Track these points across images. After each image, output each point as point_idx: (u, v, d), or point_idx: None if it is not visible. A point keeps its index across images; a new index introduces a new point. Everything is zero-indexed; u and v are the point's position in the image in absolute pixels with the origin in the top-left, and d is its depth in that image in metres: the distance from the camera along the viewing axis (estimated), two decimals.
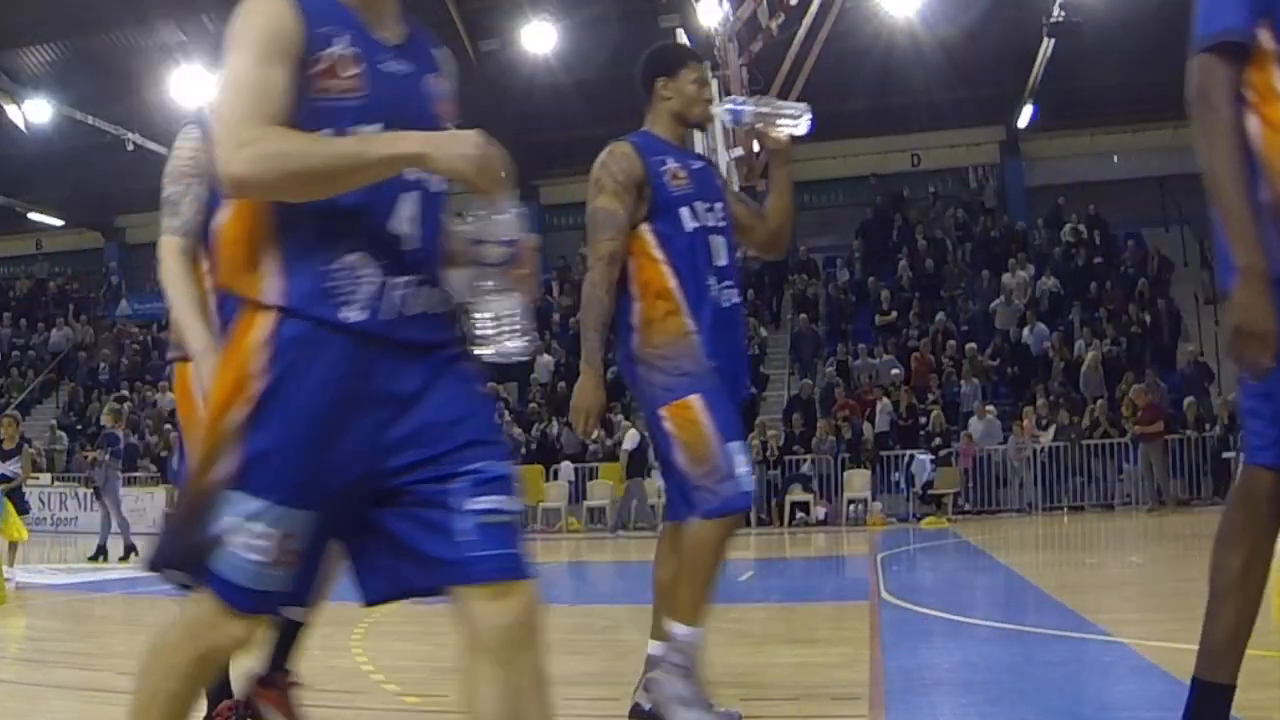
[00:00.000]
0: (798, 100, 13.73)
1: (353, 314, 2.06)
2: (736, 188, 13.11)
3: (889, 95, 25.34)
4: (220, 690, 3.56)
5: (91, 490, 15.27)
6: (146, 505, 20.25)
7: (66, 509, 20.94)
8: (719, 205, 3.86)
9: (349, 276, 2.06)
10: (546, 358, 23.54)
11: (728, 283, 3.79)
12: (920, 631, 6.32)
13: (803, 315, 23.21)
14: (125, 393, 25.30)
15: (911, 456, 18.74)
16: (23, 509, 10.89)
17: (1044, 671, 4.93)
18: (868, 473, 18.79)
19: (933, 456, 18.56)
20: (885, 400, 20.07)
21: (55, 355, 28.04)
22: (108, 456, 14.09)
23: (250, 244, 2.10)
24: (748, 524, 18.55)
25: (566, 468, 20.23)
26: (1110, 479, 18.44)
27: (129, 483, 21.41)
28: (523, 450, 21.05)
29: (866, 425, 19.69)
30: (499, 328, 2.14)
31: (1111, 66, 23.82)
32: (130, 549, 13.67)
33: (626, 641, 6.49)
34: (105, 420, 14.82)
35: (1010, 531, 15.40)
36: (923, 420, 19.75)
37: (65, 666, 5.61)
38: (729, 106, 3.96)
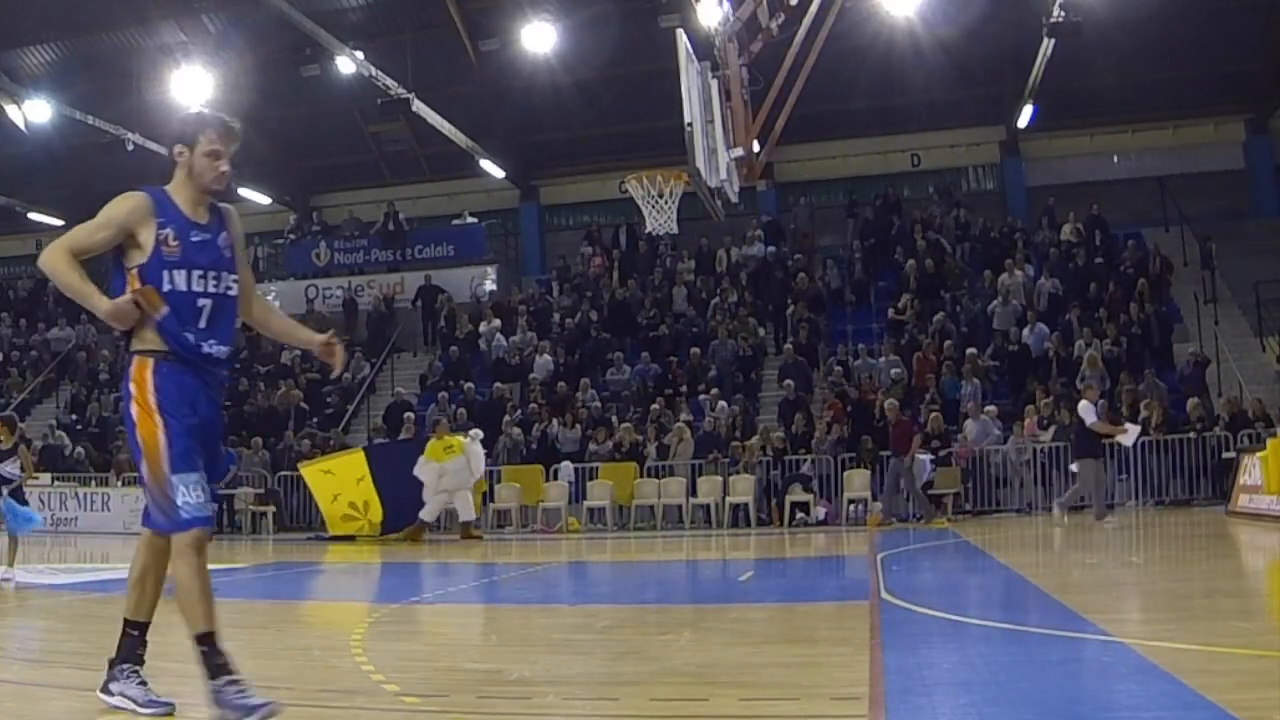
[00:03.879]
0: (795, 100, 13.58)
1: None
2: (736, 189, 13.12)
3: (889, 95, 25.35)
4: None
5: None
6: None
7: (66, 509, 20.93)
8: None
9: None
10: (546, 358, 23.54)
11: None
12: (920, 631, 6.32)
13: (802, 315, 23.18)
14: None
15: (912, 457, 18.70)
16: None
17: (1044, 671, 4.93)
18: (868, 473, 18.77)
19: (932, 457, 18.55)
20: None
21: (55, 355, 28.04)
22: None
23: None
24: (747, 523, 18.59)
25: (566, 468, 20.22)
26: (1110, 479, 18.42)
27: (129, 483, 21.44)
28: (522, 450, 21.05)
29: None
30: None
31: (1111, 66, 23.84)
32: None
33: (626, 641, 6.49)
34: None
35: (1010, 531, 15.39)
36: (921, 421, 19.74)
37: (65, 666, 5.60)
38: None
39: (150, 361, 4.28)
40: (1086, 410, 15.73)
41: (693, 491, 19.25)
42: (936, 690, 4.54)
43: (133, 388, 4.28)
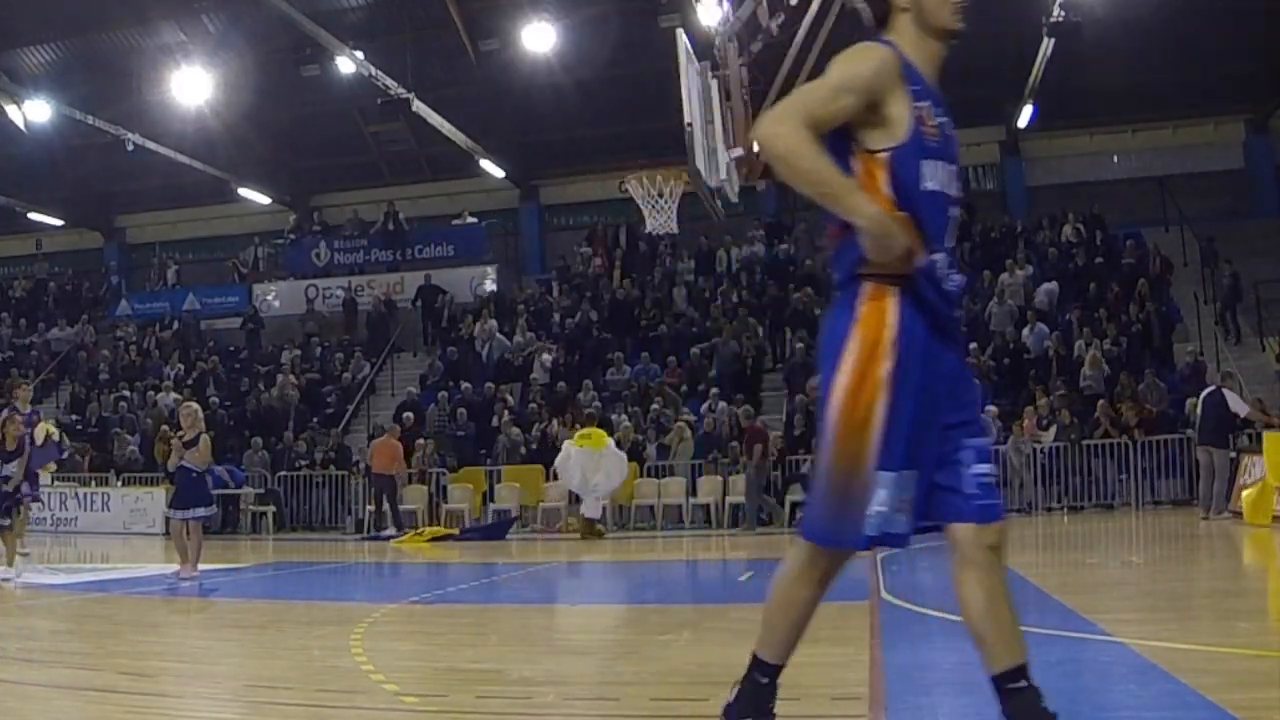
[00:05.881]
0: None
1: None
2: (736, 189, 13.13)
3: None
4: None
5: None
6: (146, 505, 20.25)
7: (66, 509, 20.91)
8: None
9: None
10: (546, 358, 23.52)
11: None
12: (920, 631, 6.32)
13: (803, 316, 23.15)
14: (126, 392, 25.33)
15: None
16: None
17: (1044, 671, 4.91)
18: None
19: None
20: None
21: (55, 355, 28.04)
22: None
23: None
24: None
25: None
26: (1110, 479, 18.42)
27: (129, 483, 21.44)
28: (522, 450, 21.03)
29: None
30: None
31: (1111, 66, 23.82)
32: None
33: (626, 641, 6.49)
34: None
35: (1010, 531, 15.34)
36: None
37: (65, 666, 5.60)
38: None
39: (894, 293, 2.99)
40: (1239, 404, 15.35)
41: (693, 491, 19.24)
42: (936, 690, 4.54)
43: (860, 330, 2.98)
